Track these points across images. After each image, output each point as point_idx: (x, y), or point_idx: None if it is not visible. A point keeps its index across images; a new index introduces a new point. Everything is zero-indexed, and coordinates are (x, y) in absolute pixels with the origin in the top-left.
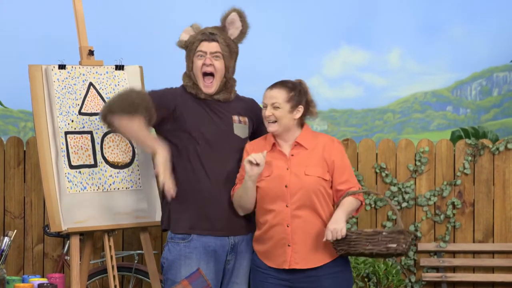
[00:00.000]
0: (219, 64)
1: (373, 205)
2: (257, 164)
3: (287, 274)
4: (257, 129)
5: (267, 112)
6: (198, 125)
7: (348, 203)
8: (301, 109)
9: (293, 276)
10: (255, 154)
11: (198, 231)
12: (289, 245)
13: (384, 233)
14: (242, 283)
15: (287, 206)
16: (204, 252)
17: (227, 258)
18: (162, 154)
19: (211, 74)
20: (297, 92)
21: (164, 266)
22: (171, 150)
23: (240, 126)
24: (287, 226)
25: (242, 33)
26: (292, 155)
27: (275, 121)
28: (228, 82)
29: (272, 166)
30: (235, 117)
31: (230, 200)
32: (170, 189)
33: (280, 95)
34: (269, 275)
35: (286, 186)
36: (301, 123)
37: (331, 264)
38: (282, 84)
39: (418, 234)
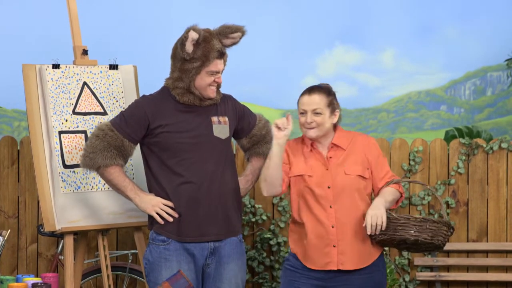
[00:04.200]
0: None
1: None
2: (283, 129)
3: (321, 273)
4: (238, 125)
5: (308, 119)
6: (177, 133)
7: (388, 192)
8: (337, 113)
9: (326, 276)
10: (279, 120)
11: (178, 237)
12: (334, 246)
13: (431, 221)
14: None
15: (330, 207)
16: (184, 254)
17: (206, 261)
18: (141, 206)
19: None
20: (334, 97)
21: (146, 267)
22: (153, 158)
23: (220, 127)
24: (332, 227)
25: (231, 45)
26: (330, 157)
27: (314, 127)
28: (219, 86)
29: (313, 167)
30: (214, 118)
31: (214, 204)
32: (169, 217)
33: (321, 101)
34: (303, 274)
35: (329, 187)
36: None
37: (368, 267)
38: (319, 89)
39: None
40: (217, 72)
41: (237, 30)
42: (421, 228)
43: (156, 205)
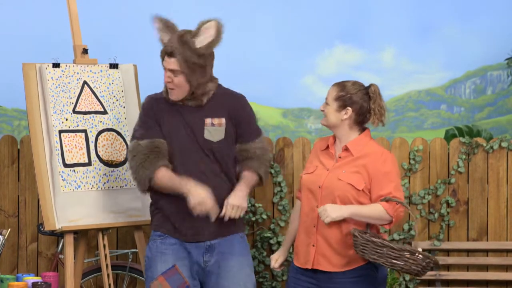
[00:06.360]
0: (178, 80)
1: None
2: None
3: (313, 273)
4: (237, 128)
5: (321, 106)
6: (170, 133)
7: (367, 207)
8: (349, 111)
9: (317, 276)
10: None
11: (174, 235)
12: (313, 245)
13: (393, 248)
14: (231, 284)
15: (317, 207)
16: (180, 249)
17: (204, 258)
18: (193, 196)
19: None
20: (349, 94)
21: (145, 264)
22: None
23: (212, 129)
24: (313, 227)
25: (210, 45)
26: (340, 157)
27: (324, 116)
28: (195, 92)
29: (318, 163)
30: (208, 120)
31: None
32: (214, 214)
33: (331, 92)
34: (298, 272)
35: (319, 187)
36: (361, 127)
37: (357, 269)
38: (340, 82)
39: (412, 232)
40: (165, 69)
41: (208, 20)
42: (380, 253)
43: (202, 205)
